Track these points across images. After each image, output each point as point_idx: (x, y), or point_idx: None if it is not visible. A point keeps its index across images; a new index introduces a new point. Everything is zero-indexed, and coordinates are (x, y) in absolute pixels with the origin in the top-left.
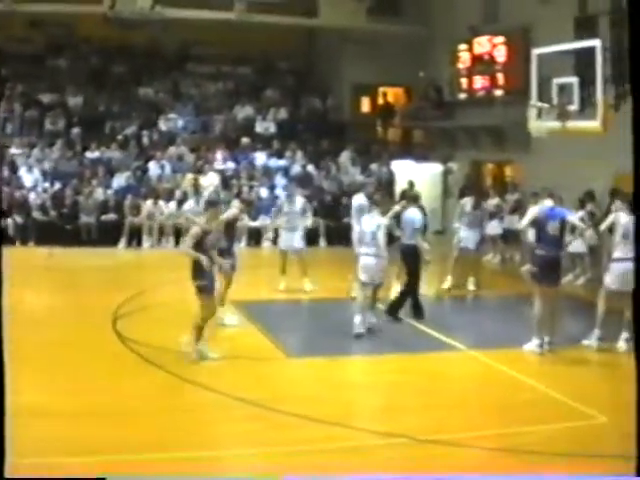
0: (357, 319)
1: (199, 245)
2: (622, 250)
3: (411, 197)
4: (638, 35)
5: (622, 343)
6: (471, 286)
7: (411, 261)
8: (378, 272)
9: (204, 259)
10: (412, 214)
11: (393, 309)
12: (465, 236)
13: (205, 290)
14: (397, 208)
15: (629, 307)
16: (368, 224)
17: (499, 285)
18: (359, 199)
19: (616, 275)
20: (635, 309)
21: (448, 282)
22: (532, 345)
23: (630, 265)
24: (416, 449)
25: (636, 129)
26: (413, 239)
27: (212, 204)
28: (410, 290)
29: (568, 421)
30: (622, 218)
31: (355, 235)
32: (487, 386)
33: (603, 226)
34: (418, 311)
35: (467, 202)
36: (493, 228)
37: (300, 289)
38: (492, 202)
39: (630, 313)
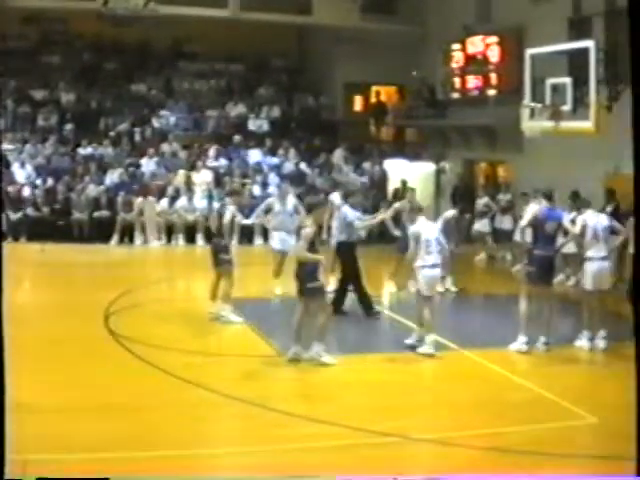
0: (428, 339)
1: (312, 246)
2: (593, 250)
3: (348, 194)
4: (638, 34)
5: (600, 341)
6: (448, 286)
7: (345, 257)
8: (439, 284)
9: (324, 261)
10: (345, 210)
11: (335, 306)
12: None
13: (321, 292)
14: (397, 205)
15: (604, 306)
16: (429, 231)
17: (487, 285)
18: (335, 197)
19: (589, 275)
20: (635, 309)
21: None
22: (518, 344)
23: (602, 264)
24: (409, 448)
25: (636, 128)
26: (345, 235)
27: (319, 204)
28: (346, 286)
29: (559, 421)
30: (590, 219)
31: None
32: (479, 385)
33: (576, 229)
34: (365, 306)
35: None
36: (480, 226)
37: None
38: (481, 201)
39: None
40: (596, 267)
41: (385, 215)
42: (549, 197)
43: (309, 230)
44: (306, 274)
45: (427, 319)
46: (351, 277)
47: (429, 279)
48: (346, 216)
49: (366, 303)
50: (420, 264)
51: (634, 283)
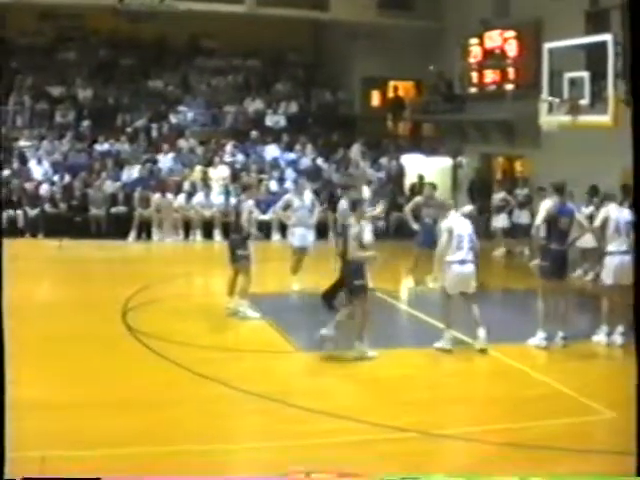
0: (447, 335)
1: (360, 243)
2: (615, 244)
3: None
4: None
5: (617, 336)
6: (431, 283)
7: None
8: (472, 281)
9: (376, 257)
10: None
11: (326, 295)
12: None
13: (365, 290)
14: (418, 199)
15: (624, 301)
16: (462, 227)
17: (506, 280)
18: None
19: (611, 269)
20: (636, 305)
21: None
22: (537, 339)
23: (624, 258)
24: (426, 443)
25: (636, 128)
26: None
27: (361, 202)
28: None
29: (577, 416)
30: (613, 212)
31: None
32: (496, 380)
33: (597, 222)
34: (326, 298)
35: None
36: (499, 222)
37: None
38: (498, 196)
39: (626, 306)
40: (617, 261)
41: (379, 210)
42: (561, 191)
43: (356, 229)
44: (352, 272)
45: (446, 316)
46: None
47: (456, 275)
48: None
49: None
50: (450, 259)
51: (635, 281)
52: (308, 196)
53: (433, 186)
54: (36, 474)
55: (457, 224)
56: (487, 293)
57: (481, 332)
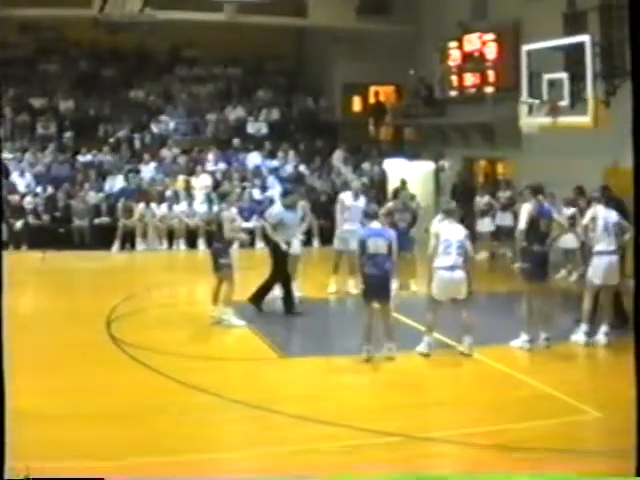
0: (426, 339)
1: None
2: (603, 244)
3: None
4: (638, 28)
5: (601, 336)
6: (413, 287)
7: (272, 255)
8: (462, 287)
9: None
10: (272, 208)
11: (255, 298)
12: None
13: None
14: (390, 205)
15: (610, 301)
16: (450, 232)
17: (489, 282)
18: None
19: (598, 269)
20: (635, 306)
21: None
22: (520, 341)
23: (612, 258)
24: (412, 447)
25: (636, 125)
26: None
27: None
28: (272, 283)
29: (562, 417)
30: (600, 212)
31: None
32: (481, 383)
33: (584, 221)
34: (287, 305)
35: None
36: (484, 226)
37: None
38: (483, 200)
39: (610, 307)
40: (606, 261)
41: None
42: (539, 192)
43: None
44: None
45: (429, 321)
46: (281, 276)
47: (443, 281)
48: (270, 215)
49: (287, 302)
50: (437, 265)
51: (635, 281)
52: (300, 208)
53: (405, 190)
54: None
55: (445, 229)
56: (471, 296)
57: (467, 339)
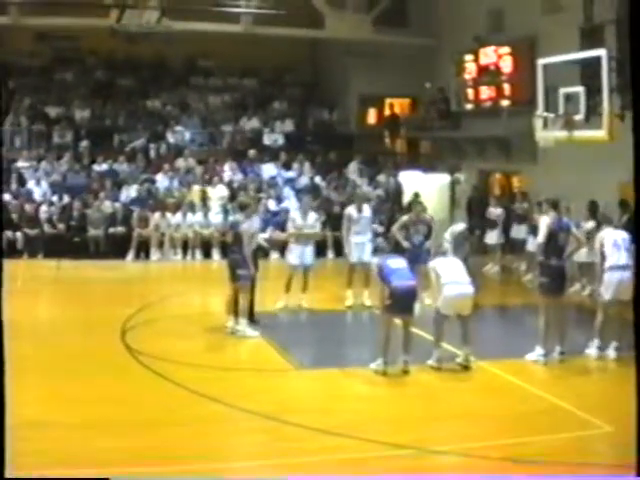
0: (436, 353)
1: None
2: (613, 259)
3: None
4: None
5: (611, 351)
6: (427, 300)
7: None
8: (469, 302)
9: None
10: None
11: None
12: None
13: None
14: (405, 218)
15: (621, 316)
16: (449, 267)
17: (501, 296)
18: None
19: (610, 285)
20: (636, 316)
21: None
22: (535, 355)
23: (624, 274)
24: (424, 460)
25: (637, 137)
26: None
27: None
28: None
29: (575, 431)
30: (608, 236)
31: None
32: (494, 396)
33: (595, 245)
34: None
35: (457, 228)
36: (492, 238)
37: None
38: (496, 212)
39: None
40: (618, 277)
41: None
42: (555, 206)
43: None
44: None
45: (436, 335)
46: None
47: (451, 297)
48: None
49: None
50: (444, 281)
51: (635, 292)
52: (312, 216)
53: (419, 204)
54: None
55: (441, 266)
56: (482, 309)
57: (466, 349)
